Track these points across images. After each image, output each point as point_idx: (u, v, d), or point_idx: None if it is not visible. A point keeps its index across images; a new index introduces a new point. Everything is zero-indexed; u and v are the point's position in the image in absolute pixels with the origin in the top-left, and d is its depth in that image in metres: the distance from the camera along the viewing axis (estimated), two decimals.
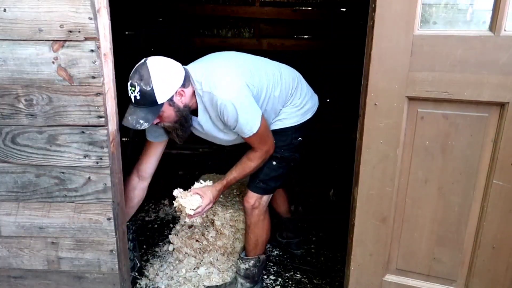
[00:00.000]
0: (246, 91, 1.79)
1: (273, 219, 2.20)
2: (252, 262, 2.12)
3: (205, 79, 1.76)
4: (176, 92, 1.72)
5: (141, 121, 1.68)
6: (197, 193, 1.93)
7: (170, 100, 1.72)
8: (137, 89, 1.66)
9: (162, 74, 1.68)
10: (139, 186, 2.06)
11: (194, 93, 1.80)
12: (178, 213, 2.01)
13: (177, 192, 1.96)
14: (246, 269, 2.12)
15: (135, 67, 1.70)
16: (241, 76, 1.81)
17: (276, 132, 1.98)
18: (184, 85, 1.75)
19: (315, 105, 2.12)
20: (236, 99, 1.74)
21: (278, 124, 2.00)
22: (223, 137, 1.94)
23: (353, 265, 1.72)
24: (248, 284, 2.14)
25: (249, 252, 2.13)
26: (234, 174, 1.96)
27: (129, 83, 1.68)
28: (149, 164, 2.03)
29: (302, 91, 2.06)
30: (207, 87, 1.75)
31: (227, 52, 2.06)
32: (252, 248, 2.12)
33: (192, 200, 1.90)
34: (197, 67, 1.84)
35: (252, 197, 2.05)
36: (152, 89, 1.65)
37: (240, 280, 2.14)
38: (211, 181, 2.03)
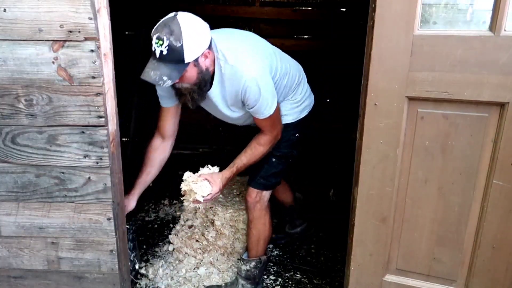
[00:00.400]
0: (268, 73, 1.80)
1: (276, 215, 2.20)
2: (253, 263, 2.11)
3: (231, 53, 1.74)
4: (202, 53, 1.67)
5: (165, 78, 1.61)
6: (207, 179, 1.89)
7: (196, 60, 1.66)
8: (166, 43, 1.57)
9: (193, 32, 1.62)
10: (163, 146, 2.04)
11: (214, 60, 1.76)
12: (183, 197, 1.95)
13: (187, 175, 1.91)
14: (247, 270, 2.12)
15: (162, 20, 1.64)
16: (264, 58, 1.83)
17: None
18: (209, 48, 1.71)
19: (311, 103, 2.14)
20: (261, 79, 1.74)
21: None
22: (227, 113, 1.92)
23: (353, 265, 1.72)
24: (249, 286, 2.14)
25: (250, 250, 2.13)
26: (244, 160, 1.93)
27: (155, 36, 1.59)
28: (170, 124, 2.01)
29: (303, 88, 2.08)
30: (233, 60, 1.73)
31: (246, 31, 2.07)
32: (254, 246, 2.12)
33: (202, 186, 1.86)
34: (220, 37, 1.80)
35: (253, 192, 2.06)
36: (182, 46, 1.58)
37: (241, 281, 2.14)
38: (217, 167, 1.99)
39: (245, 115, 1.93)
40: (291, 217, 2.54)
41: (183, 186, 1.90)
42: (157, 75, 1.61)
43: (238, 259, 2.25)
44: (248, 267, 2.12)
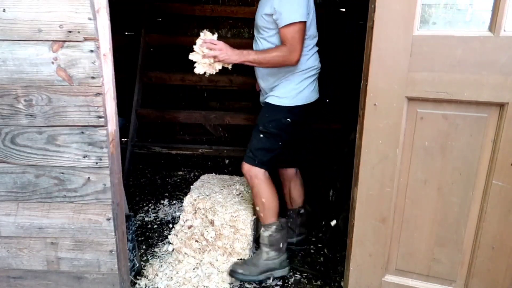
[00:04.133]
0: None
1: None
2: (274, 227, 2.16)
3: None
4: None
5: None
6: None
7: None
8: None
9: None
10: None
11: None
12: (194, 58, 1.99)
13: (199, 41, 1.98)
14: (269, 235, 2.16)
15: None
16: None
17: (269, 107, 2.12)
18: None
19: (312, 98, 2.18)
20: None
21: (274, 100, 2.12)
22: (257, 21, 2.10)
23: (352, 265, 1.72)
24: (273, 253, 2.17)
25: (265, 220, 2.17)
26: (253, 53, 2.01)
27: None
28: None
29: (309, 76, 2.14)
30: None
31: None
32: (266, 214, 2.16)
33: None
34: None
35: (244, 165, 2.16)
36: None
37: (265, 249, 2.18)
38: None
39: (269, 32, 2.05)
40: (293, 222, 2.51)
41: (199, 39, 1.98)
42: None
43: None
44: (269, 232, 2.16)
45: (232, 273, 2.19)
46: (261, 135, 2.12)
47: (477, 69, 1.39)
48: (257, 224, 2.54)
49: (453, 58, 1.40)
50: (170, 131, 3.98)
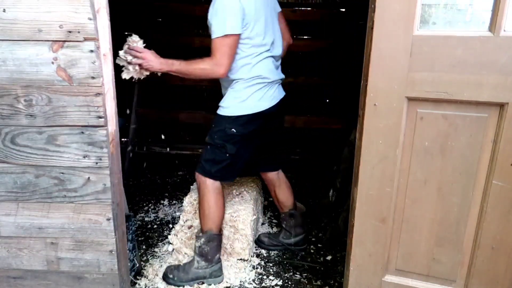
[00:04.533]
0: (237, 4, 1.87)
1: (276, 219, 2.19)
2: (203, 239, 2.14)
3: None
4: None
5: None
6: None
7: None
8: None
9: None
10: None
11: None
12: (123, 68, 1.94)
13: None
14: (199, 246, 2.15)
15: None
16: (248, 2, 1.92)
17: (216, 117, 2.12)
18: None
19: (259, 107, 2.08)
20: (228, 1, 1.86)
21: (220, 110, 2.10)
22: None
23: (352, 265, 1.72)
24: (203, 263, 2.16)
25: (202, 226, 2.16)
26: (177, 63, 1.95)
27: None
28: None
29: (256, 87, 2.06)
30: None
31: None
32: (203, 222, 2.15)
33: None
34: None
35: (196, 173, 2.18)
36: None
37: (196, 257, 2.18)
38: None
39: None
40: (288, 224, 2.50)
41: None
42: None
43: (238, 259, 2.25)
44: (199, 243, 2.15)
45: (164, 276, 2.20)
46: (208, 147, 2.11)
47: (477, 69, 1.39)
48: (256, 224, 2.54)
49: (453, 58, 1.39)
50: (171, 131, 3.98)
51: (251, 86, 2.05)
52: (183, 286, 2.16)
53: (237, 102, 2.05)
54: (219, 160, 2.10)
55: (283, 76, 2.22)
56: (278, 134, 2.36)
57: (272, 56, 2.11)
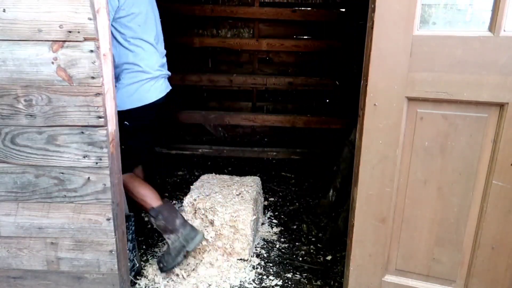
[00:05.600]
0: None
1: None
2: (152, 218, 2.16)
3: None
4: None
5: None
6: None
7: None
8: None
9: None
10: None
11: None
12: None
13: None
14: (157, 226, 2.17)
15: None
16: None
17: None
18: None
19: (147, 99, 2.16)
20: None
21: None
22: None
23: (352, 265, 1.72)
24: (171, 235, 2.16)
25: (145, 209, 2.19)
26: None
27: None
28: None
29: (141, 79, 2.11)
30: None
31: None
32: (142, 205, 2.18)
33: None
34: None
35: None
36: None
37: (165, 236, 2.19)
38: None
39: None
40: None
41: None
42: None
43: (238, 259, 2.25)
44: (153, 223, 2.17)
45: (158, 267, 2.23)
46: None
47: (477, 69, 1.39)
48: (256, 224, 2.54)
49: (453, 58, 1.40)
50: (171, 131, 3.98)
51: (127, 75, 2.11)
52: (175, 267, 2.19)
53: (125, 92, 2.10)
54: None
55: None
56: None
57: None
